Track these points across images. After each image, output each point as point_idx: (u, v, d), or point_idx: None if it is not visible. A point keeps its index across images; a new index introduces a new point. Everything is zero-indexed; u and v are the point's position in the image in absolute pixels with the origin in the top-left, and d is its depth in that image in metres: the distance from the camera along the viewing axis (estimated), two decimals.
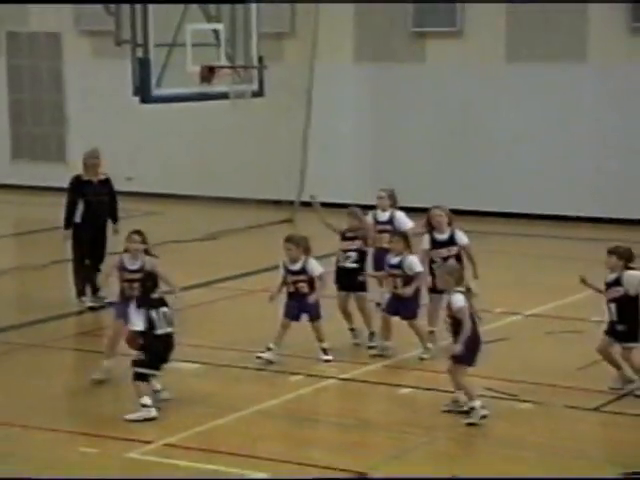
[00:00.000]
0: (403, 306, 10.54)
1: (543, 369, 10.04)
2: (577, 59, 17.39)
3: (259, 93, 12.60)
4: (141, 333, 9.12)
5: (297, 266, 10.55)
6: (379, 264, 11.50)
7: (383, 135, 18.88)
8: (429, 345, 10.55)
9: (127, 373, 9.26)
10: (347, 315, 11.08)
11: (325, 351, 10.58)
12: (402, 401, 9.46)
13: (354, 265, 10.96)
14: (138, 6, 10.90)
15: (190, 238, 16.32)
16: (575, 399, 9.29)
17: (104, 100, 19.78)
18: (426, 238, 10.75)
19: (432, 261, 10.62)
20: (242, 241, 16.53)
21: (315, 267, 10.58)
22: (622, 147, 17.23)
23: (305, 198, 18.73)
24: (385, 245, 11.46)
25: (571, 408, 9.11)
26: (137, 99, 11.49)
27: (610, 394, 9.36)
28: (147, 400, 9.05)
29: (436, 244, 10.67)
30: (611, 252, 9.63)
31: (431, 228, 10.77)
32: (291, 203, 18.34)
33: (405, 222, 11.77)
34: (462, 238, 10.77)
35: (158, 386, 9.39)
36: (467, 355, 8.88)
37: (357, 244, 11.07)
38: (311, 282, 10.56)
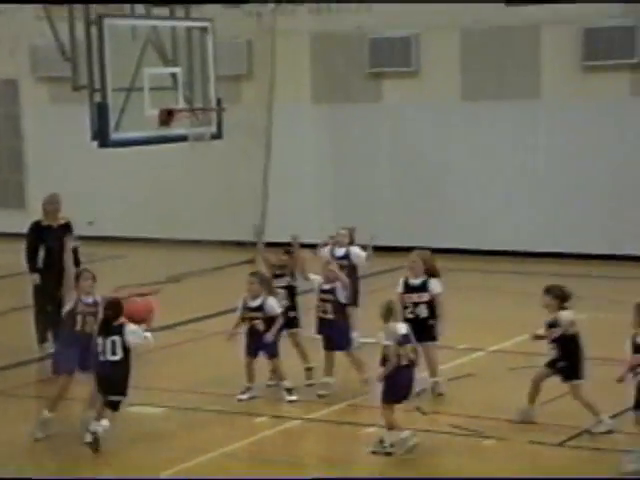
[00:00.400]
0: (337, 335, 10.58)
1: (506, 405, 9.98)
2: (531, 97, 17.54)
3: (218, 135, 12.58)
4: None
5: (256, 303, 10.56)
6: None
7: (343, 173, 18.91)
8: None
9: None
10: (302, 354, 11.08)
11: (289, 391, 10.51)
12: (367, 440, 9.38)
13: (283, 302, 10.95)
14: (95, 51, 10.85)
15: (152, 281, 16.19)
16: (539, 435, 9.25)
17: (63, 145, 19.71)
18: (400, 281, 10.61)
19: (405, 306, 10.40)
20: (205, 283, 16.43)
21: (274, 306, 10.56)
22: (578, 181, 17.35)
23: (268, 238, 18.75)
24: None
25: (535, 444, 9.07)
26: (96, 143, 11.42)
27: (573, 429, 9.33)
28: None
29: (409, 289, 10.53)
30: (546, 292, 9.68)
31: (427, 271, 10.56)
32: (253, 244, 18.27)
33: (359, 254, 11.90)
34: (436, 287, 10.53)
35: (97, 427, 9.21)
36: (389, 392, 8.89)
37: (285, 281, 11.11)
38: (268, 320, 10.53)
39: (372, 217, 18.25)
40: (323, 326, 10.73)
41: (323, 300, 10.72)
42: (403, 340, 9.10)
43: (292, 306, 11.08)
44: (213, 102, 12.29)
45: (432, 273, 10.58)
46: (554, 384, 10.52)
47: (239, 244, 18.71)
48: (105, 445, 9.17)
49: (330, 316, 10.66)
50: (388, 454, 8.88)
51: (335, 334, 10.68)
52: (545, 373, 9.64)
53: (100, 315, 9.56)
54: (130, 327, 9.36)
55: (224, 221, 18.55)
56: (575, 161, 17.35)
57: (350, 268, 11.90)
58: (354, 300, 11.64)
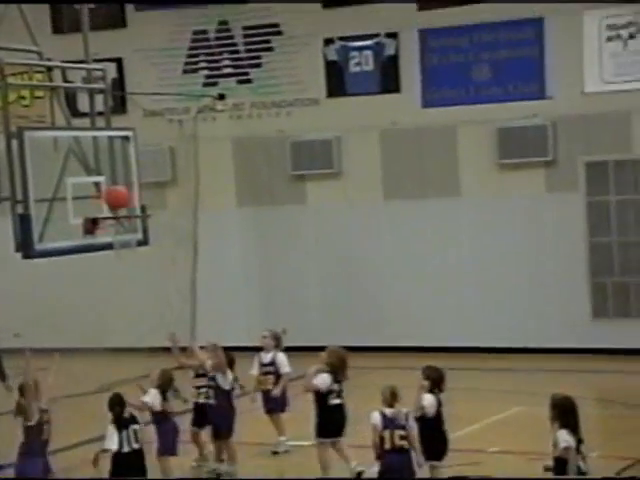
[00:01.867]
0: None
1: None
2: (451, 194, 17.55)
3: (144, 242, 12.25)
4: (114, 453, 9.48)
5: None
6: (266, 406, 11.65)
7: (270, 275, 18.65)
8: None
9: None
10: (199, 445, 11.21)
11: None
12: None
13: (208, 401, 10.99)
14: (16, 163, 10.53)
15: (82, 392, 15.62)
16: None
17: None
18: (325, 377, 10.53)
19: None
20: (136, 391, 15.86)
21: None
22: (498, 276, 17.29)
23: (199, 342, 18.31)
24: (269, 387, 11.67)
25: None
26: (19, 255, 11.02)
27: None
28: None
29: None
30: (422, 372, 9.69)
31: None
32: (183, 349, 17.80)
33: (284, 365, 11.72)
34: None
35: None
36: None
37: (205, 380, 11.13)
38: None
39: (300, 317, 17.96)
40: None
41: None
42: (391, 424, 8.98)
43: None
44: (137, 209, 12.00)
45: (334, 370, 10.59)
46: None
47: (168, 350, 18.21)
48: None
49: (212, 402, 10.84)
50: None
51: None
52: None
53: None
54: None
55: (153, 327, 18.06)
56: (496, 256, 17.32)
57: (277, 375, 11.62)
58: (282, 406, 11.38)
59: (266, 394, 11.78)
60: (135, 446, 9.59)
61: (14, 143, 10.49)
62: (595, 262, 16.70)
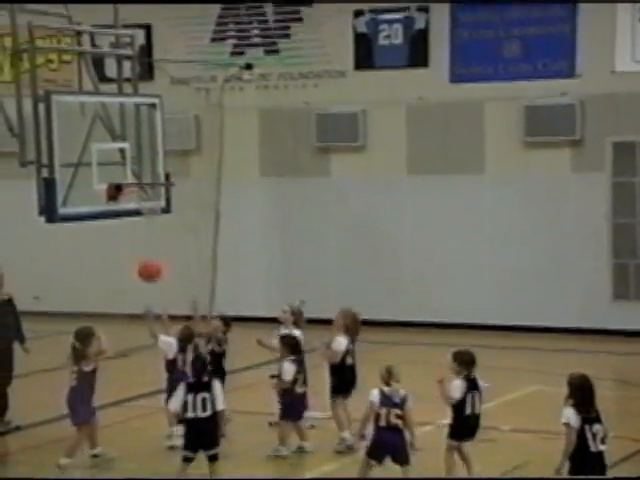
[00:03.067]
0: None
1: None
2: (475, 171, 17.61)
3: (166, 210, 12.42)
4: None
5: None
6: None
7: (291, 247, 18.80)
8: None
9: None
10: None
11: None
12: None
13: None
14: (43, 127, 10.68)
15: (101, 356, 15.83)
16: None
17: (9, 220, 19.41)
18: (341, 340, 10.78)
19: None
20: (153, 358, 16.07)
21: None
22: (520, 254, 17.37)
23: (217, 312, 18.50)
24: None
25: None
26: (43, 219, 11.20)
27: None
28: None
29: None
30: (453, 357, 9.83)
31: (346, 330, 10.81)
32: (203, 317, 18.00)
33: (301, 339, 11.72)
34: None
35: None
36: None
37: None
38: None
39: (320, 290, 18.11)
40: None
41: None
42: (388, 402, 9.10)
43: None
44: (161, 177, 12.15)
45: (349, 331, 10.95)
46: (505, 458, 10.38)
47: (188, 318, 18.43)
48: None
49: None
50: None
51: None
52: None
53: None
54: (217, 386, 9.69)
55: (173, 295, 18.25)
56: (517, 235, 17.39)
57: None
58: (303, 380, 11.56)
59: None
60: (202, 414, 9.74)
61: (41, 107, 10.64)
62: (618, 244, 16.76)
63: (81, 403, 10.46)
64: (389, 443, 9.08)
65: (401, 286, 18.00)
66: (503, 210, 17.48)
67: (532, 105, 17.08)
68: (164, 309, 11.86)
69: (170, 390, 10.89)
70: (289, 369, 10.57)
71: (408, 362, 14.76)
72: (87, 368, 10.52)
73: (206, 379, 9.70)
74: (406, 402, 9.18)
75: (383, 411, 9.13)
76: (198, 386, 9.63)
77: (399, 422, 9.10)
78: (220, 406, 9.61)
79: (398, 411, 9.11)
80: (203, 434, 9.54)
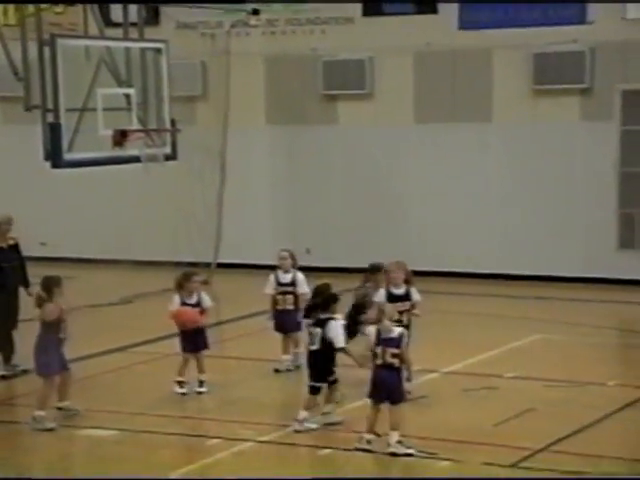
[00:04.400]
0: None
1: (460, 426, 9.92)
2: (483, 120, 17.60)
3: (172, 156, 12.46)
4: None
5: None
6: (284, 326, 11.91)
7: (297, 195, 18.84)
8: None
9: None
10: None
11: (201, 383, 11.07)
12: (322, 462, 9.27)
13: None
14: (48, 71, 10.71)
15: (105, 302, 15.98)
16: (492, 456, 9.17)
17: (15, 165, 19.47)
18: (382, 292, 10.78)
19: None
20: (158, 304, 16.19)
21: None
22: (529, 202, 17.42)
23: (222, 259, 18.62)
24: (288, 307, 11.88)
25: (488, 465, 8.98)
26: (48, 164, 11.26)
27: (526, 450, 9.28)
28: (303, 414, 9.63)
29: (393, 298, 10.67)
30: None
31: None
32: (207, 265, 18.13)
33: (304, 285, 11.87)
34: (416, 295, 10.98)
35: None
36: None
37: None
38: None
39: (326, 238, 18.21)
40: None
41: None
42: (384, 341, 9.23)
43: None
44: (167, 123, 12.18)
45: (409, 282, 10.98)
46: (507, 405, 10.52)
47: (193, 265, 18.57)
48: (57, 469, 9.00)
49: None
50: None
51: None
52: None
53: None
54: (332, 325, 9.80)
55: (178, 242, 18.39)
56: (524, 183, 17.42)
57: (295, 295, 11.90)
58: (298, 325, 11.71)
59: (282, 313, 11.96)
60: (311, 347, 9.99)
61: (46, 50, 10.66)
62: (625, 192, 16.78)
63: (44, 354, 10.17)
64: (386, 381, 9.23)
65: (406, 234, 18.06)
66: (510, 158, 17.48)
67: (541, 52, 17.01)
68: None
69: None
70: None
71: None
72: (49, 318, 10.16)
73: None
74: (402, 340, 9.28)
75: (379, 350, 9.26)
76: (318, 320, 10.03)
77: (395, 361, 9.22)
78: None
79: (394, 350, 9.23)
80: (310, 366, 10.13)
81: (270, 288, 11.97)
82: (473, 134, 17.63)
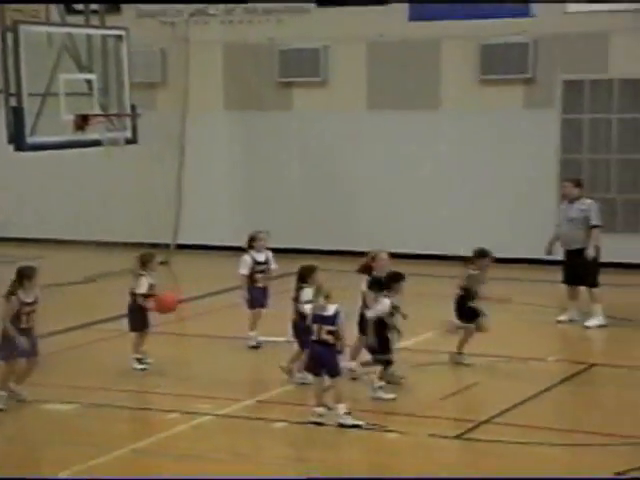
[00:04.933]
0: None
1: (409, 400, 9.99)
2: (432, 107, 17.65)
3: (133, 140, 12.39)
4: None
5: (262, 257, 11.67)
6: (262, 302, 11.95)
7: (254, 179, 18.79)
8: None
9: None
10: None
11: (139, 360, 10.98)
12: (277, 435, 9.27)
13: None
14: (10, 56, 10.58)
15: (70, 281, 15.87)
16: (438, 428, 9.23)
17: None
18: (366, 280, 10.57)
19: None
20: (120, 284, 16.13)
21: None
22: (474, 188, 17.51)
23: (181, 240, 18.54)
24: (263, 284, 11.94)
25: (435, 436, 9.06)
26: (11, 147, 11.14)
27: (470, 422, 9.35)
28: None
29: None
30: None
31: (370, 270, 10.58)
32: (167, 246, 18.06)
33: (273, 262, 12.08)
34: None
35: None
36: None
37: None
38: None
39: (283, 221, 18.17)
40: None
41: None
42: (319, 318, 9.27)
43: None
44: (128, 108, 12.09)
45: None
46: (454, 380, 10.59)
47: (153, 246, 18.46)
48: (19, 442, 8.93)
49: None
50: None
51: None
52: None
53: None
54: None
55: (139, 224, 18.26)
56: (472, 168, 17.51)
57: (267, 273, 12.03)
58: (266, 301, 11.89)
59: (259, 290, 12.00)
60: None
61: (9, 36, 10.53)
62: (566, 178, 16.88)
63: (7, 341, 9.92)
64: (321, 357, 9.26)
65: (360, 217, 18.10)
66: (459, 144, 17.56)
67: (488, 44, 17.08)
68: None
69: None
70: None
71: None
72: (7, 314, 9.85)
73: None
74: (337, 318, 9.28)
75: (315, 327, 9.28)
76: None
77: (329, 338, 9.24)
78: None
79: (329, 327, 9.24)
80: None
81: (246, 268, 11.99)
82: (423, 121, 17.67)
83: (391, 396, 9.95)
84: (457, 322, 10.98)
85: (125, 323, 12.37)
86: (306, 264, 10.60)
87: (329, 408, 9.31)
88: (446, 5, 17.33)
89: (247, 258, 12.00)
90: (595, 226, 13.20)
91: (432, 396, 10.06)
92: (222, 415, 9.71)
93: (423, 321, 12.45)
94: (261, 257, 12.02)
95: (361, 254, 17.53)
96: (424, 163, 17.75)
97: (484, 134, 17.35)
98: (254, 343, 11.95)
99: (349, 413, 9.21)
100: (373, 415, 9.46)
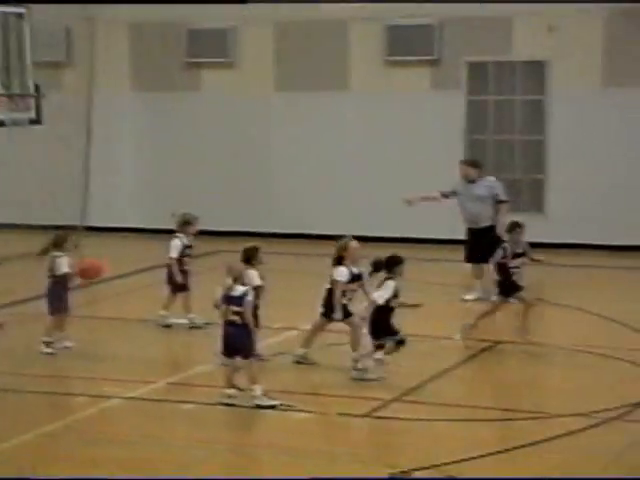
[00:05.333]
0: None
1: (318, 380, 10.03)
2: (340, 89, 17.66)
3: (37, 121, 12.11)
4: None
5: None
6: (187, 285, 11.94)
7: (163, 161, 18.60)
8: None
9: None
10: None
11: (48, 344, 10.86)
12: (186, 417, 9.20)
13: None
14: None
15: None
16: (347, 407, 9.27)
17: None
18: (343, 271, 10.32)
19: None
20: (26, 266, 15.82)
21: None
22: (381, 169, 17.58)
23: (90, 223, 18.24)
24: (186, 268, 11.95)
25: (344, 415, 9.09)
26: None
27: (379, 401, 9.41)
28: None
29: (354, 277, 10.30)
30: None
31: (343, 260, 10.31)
32: (74, 228, 17.74)
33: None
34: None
35: None
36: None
37: None
38: None
39: (192, 202, 17.96)
40: None
41: None
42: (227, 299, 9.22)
43: None
44: (31, 88, 11.80)
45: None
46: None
47: (60, 228, 18.11)
48: None
49: None
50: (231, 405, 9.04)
51: None
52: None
53: None
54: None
55: (45, 206, 17.90)
56: (380, 149, 17.59)
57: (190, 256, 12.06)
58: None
59: (187, 273, 12.02)
60: None
61: None
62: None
63: None
64: (231, 337, 9.22)
65: (272, 199, 18.05)
66: (367, 125, 17.62)
67: (393, 25, 17.14)
68: None
69: None
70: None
71: (277, 270, 14.94)
72: None
73: None
74: (244, 298, 9.24)
75: (223, 308, 9.24)
76: None
77: (236, 318, 9.21)
78: None
79: (236, 307, 9.21)
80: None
81: (176, 252, 11.91)
82: (331, 102, 17.69)
83: (375, 377, 9.93)
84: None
85: (32, 306, 12.17)
86: (249, 245, 10.46)
87: (240, 389, 9.27)
88: None
89: (178, 242, 11.96)
90: (503, 201, 13.40)
91: (342, 376, 10.09)
92: (132, 398, 9.60)
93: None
94: (189, 241, 12.01)
95: (277, 235, 17.66)
96: (332, 144, 17.77)
97: (391, 115, 17.44)
98: (164, 321, 11.91)
99: (264, 394, 9.19)
100: (287, 396, 9.44)
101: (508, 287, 11.19)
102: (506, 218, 13.15)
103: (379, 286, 10.04)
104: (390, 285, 10.02)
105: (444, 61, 17.15)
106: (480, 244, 13.23)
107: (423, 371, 10.18)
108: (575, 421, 8.74)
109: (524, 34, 16.70)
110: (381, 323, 9.99)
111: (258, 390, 9.19)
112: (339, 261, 10.38)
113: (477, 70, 17.02)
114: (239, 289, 9.30)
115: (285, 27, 17.75)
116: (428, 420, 8.93)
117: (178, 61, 18.27)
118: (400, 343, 10.06)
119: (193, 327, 11.85)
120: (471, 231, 13.61)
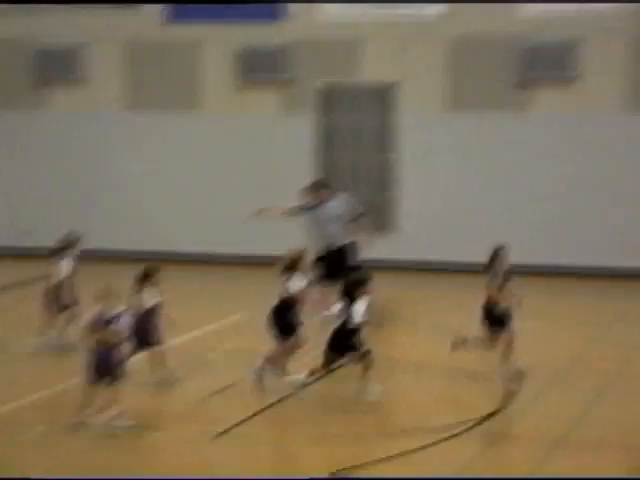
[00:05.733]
0: None
1: (177, 399, 10.02)
2: (193, 109, 17.62)
3: None
4: None
5: None
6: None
7: (16, 179, 18.18)
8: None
9: None
10: None
11: None
12: (37, 440, 8.96)
13: None
14: None
15: None
16: (203, 425, 9.22)
17: None
18: (301, 277, 10.20)
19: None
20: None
21: None
22: (235, 189, 17.56)
23: None
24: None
25: (198, 434, 9.02)
26: None
27: (230, 421, 9.39)
28: None
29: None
30: None
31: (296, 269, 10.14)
32: None
33: None
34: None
35: None
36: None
37: None
38: None
39: (45, 218, 17.60)
40: None
41: None
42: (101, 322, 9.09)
43: None
44: None
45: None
46: (222, 376, 10.59)
47: None
48: None
49: None
50: None
51: None
52: None
53: None
54: None
55: None
56: (232, 171, 17.57)
57: None
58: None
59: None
60: None
61: None
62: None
63: None
64: (103, 361, 9.06)
65: (123, 217, 17.83)
66: (220, 148, 17.61)
67: (246, 46, 17.22)
68: None
69: None
70: None
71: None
72: None
73: None
74: (120, 319, 9.14)
75: (97, 328, 9.10)
76: None
77: (111, 338, 9.08)
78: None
79: (110, 328, 9.08)
80: None
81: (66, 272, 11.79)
82: (184, 123, 17.63)
83: (373, 395, 9.80)
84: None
85: None
86: (150, 264, 10.37)
87: (98, 411, 9.08)
88: (204, 8, 17.32)
89: (66, 262, 11.83)
90: (363, 214, 13.46)
91: (201, 394, 10.06)
92: None
93: (195, 319, 12.46)
94: (73, 261, 11.89)
95: (124, 252, 17.35)
96: (185, 166, 17.71)
97: (244, 137, 17.48)
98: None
99: (120, 415, 9.04)
100: (140, 416, 9.32)
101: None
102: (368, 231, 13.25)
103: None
104: (364, 304, 9.77)
105: (296, 83, 17.31)
106: (337, 262, 13.15)
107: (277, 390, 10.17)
108: (417, 437, 8.82)
109: (373, 57, 17.01)
110: (346, 339, 9.76)
111: (115, 411, 9.02)
112: (291, 268, 10.15)
113: (329, 92, 17.25)
114: (115, 309, 9.15)
115: (135, 46, 17.61)
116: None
117: (27, 79, 17.89)
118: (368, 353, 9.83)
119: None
120: (328, 252, 13.39)
